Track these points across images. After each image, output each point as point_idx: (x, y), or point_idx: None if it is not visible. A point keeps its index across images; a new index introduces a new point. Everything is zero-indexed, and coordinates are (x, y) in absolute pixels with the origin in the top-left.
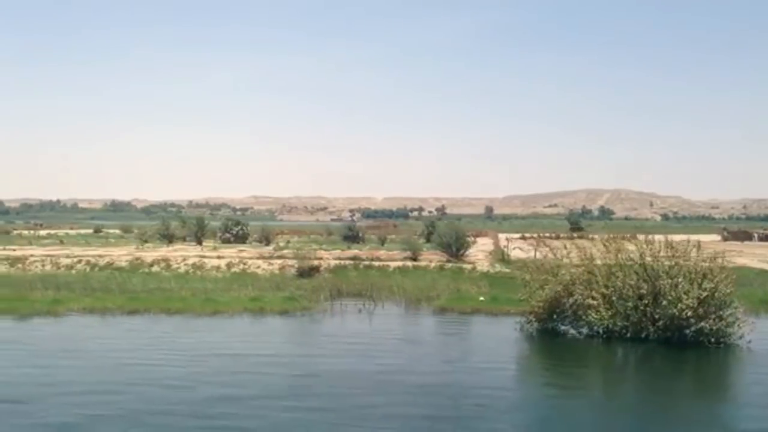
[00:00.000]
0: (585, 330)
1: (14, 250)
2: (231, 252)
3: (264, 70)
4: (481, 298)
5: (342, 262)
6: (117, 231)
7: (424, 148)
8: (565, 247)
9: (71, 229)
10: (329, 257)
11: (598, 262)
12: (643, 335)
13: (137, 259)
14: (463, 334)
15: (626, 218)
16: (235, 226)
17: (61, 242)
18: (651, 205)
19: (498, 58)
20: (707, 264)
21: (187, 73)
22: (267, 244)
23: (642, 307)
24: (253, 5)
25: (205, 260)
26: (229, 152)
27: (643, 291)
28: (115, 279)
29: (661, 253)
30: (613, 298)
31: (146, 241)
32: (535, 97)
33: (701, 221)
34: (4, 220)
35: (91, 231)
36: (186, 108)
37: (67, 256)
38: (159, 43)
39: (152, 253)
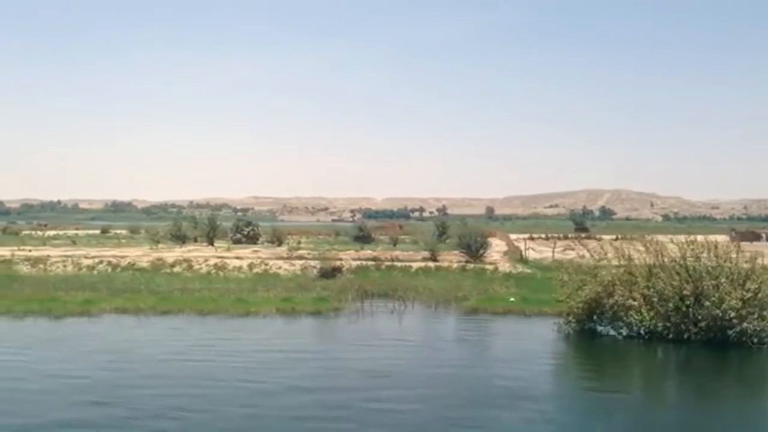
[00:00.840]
0: (624, 331)
1: (29, 250)
2: (246, 252)
3: (264, 70)
4: (512, 299)
5: (363, 262)
6: (124, 231)
7: (424, 148)
8: (602, 248)
9: (77, 229)
10: (348, 258)
11: (636, 262)
12: (684, 336)
13: (158, 259)
14: (503, 334)
15: (627, 218)
16: (246, 227)
17: (74, 243)
18: (652, 205)
19: (498, 58)
20: (749, 265)
21: (187, 74)
22: (279, 245)
23: (684, 308)
24: (254, 5)
25: (227, 261)
26: (229, 152)
27: (686, 292)
28: (139, 280)
29: (703, 254)
30: (654, 299)
31: (158, 242)
32: (535, 97)
33: (703, 221)
34: (6, 221)
35: (98, 231)
36: (186, 108)
37: (87, 257)
38: (159, 43)
39: (170, 253)
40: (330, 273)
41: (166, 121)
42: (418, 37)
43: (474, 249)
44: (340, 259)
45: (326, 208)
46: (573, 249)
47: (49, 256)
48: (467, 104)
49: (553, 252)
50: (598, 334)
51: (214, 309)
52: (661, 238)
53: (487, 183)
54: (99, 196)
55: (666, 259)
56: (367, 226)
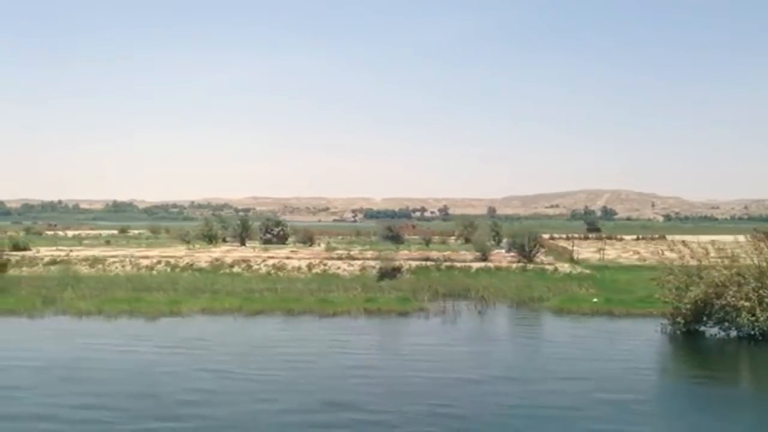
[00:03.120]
0: (734, 332)
1: (70, 250)
2: (285, 252)
3: (264, 71)
4: (594, 300)
5: (421, 263)
6: (142, 231)
7: (424, 148)
8: (705, 249)
9: (91, 229)
10: (403, 258)
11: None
12: None
13: (217, 260)
14: (609, 334)
15: (628, 218)
16: (275, 227)
17: (108, 242)
18: (652, 205)
19: (498, 58)
20: None
21: (188, 74)
22: (310, 245)
23: None
24: (254, 6)
25: (285, 261)
26: (229, 153)
27: None
28: (202, 280)
29: None
30: (766, 299)
31: (189, 242)
32: (535, 97)
33: (704, 222)
34: (10, 221)
35: (115, 231)
36: (186, 108)
37: (144, 257)
38: (160, 44)
39: (226, 254)
40: (390, 273)
41: (167, 121)
42: (418, 37)
43: (527, 250)
44: (400, 260)
45: (327, 208)
46: (605, 249)
47: (106, 256)
48: (467, 104)
49: (602, 253)
50: (704, 335)
51: (303, 309)
52: (681, 238)
53: (487, 183)
54: (99, 196)
55: None
56: (396, 227)
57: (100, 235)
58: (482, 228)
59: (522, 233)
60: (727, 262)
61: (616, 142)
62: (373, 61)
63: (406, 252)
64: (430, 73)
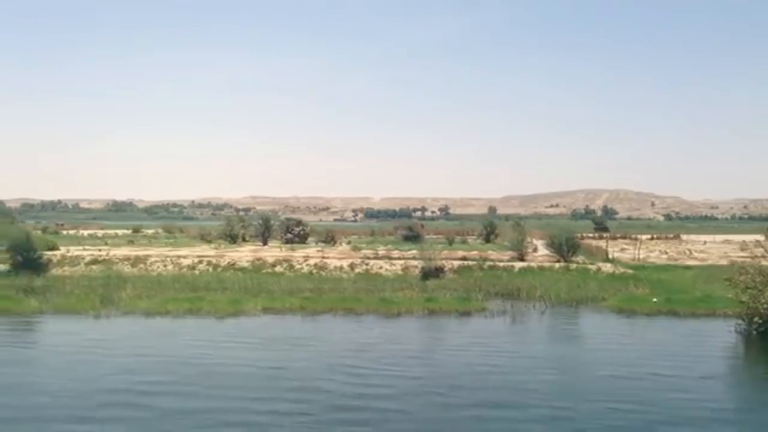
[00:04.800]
0: None
1: (99, 250)
2: (312, 252)
3: (264, 70)
4: (654, 300)
5: (464, 262)
6: (155, 231)
7: (423, 148)
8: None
9: (100, 229)
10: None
11: None
12: None
13: (258, 259)
14: (683, 335)
15: (629, 218)
16: (296, 227)
17: (131, 242)
18: (652, 205)
19: (497, 58)
20: None
21: (188, 74)
22: (333, 245)
23: None
24: (254, 5)
25: (326, 261)
26: (228, 152)
27: None
28: (246, 279)
29: None
30: None
31: (210, 241)
32: (533, 97)
33: (706, 221)
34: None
35: (128, 231)
36: (186, 108)
37: (185, 257)
38: (159, 43)
39: (246, 253)
40: (433, 273)
41: (166, 121)
42: (418, 37)
43: (566, 249)
44: (443, 259)
45: (327, 208)
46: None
47: (147, 255)
48: (466, 104)
49: (638, 252)
50: None
51: (365, 308)
52: (698, 238)
53: (486, 183)
54: (98, 195)
55: None
56: (416, 226)
57: (116, 234)
58: (512, 228)
59: (560, 233)
60: None
61: (615, 142)
62: (373, 61)
63: (446, 252)
64: (429, 73)
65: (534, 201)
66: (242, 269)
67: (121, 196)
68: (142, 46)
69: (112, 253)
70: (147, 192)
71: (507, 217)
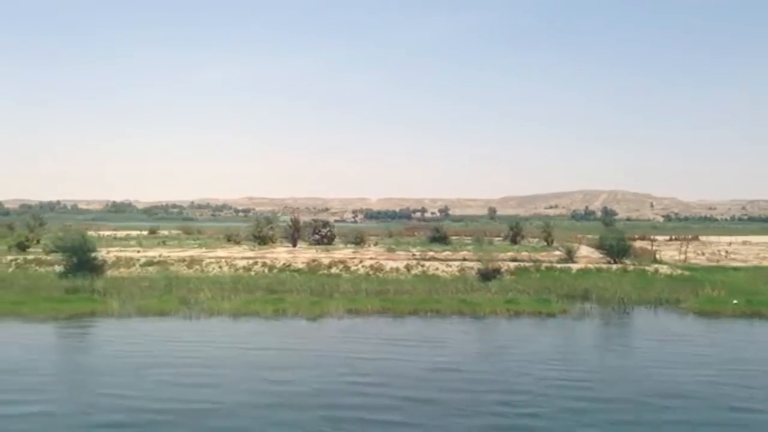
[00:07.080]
0: None
1: (137, 251)
2: (347, 253)
3: (263, 71)
4: (735, 302)
5: (519, 264)
6: (171, 232)
7: (420, 148)
8: None
9: (114, 230)
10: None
11: None
12: None
13: (313, 260)
14: None
15: (628, 219)
16: (323, 228)
17: (163, 243)
18: (651, 206)
19: (497, 58)
20: None
21: (186, 74)
22: (363, 246)
23: None
24: (253, 6)
25: (381, 262)
26: (225, 153)
27: None
28: (299, 280)
29: None
30: None
31: (239, 242)
32: (532, 97)
33: (706, 222)
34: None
35: (145, 232)
36: (185, 108)
37: (240, 258)
38: (158, 43)
39: (284, 254)
40: (491, 274)
41: (165, 122)
42: (418, 37)
43: (617, 250)
44: (501, 261)
45: (327, 209)
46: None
47: (202, 257)
48: (465, 104)
49: (685, 253)
50: None
51: (448, 310)
52: (714, 239)
53: (484, 183)
54: (97, 196)
55: None
56: (443, 227)
57: (140, 234)
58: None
59: (611, 235)
60: None
61: (613, 143)
62: (372, 61)
63: (495, 253)
64: (428, 73)
65: (532, 202)
66: (297, 271)
67: (119, 197)
68: (141, 46)
69: (167, 254)
70: (145, 193)
71: (506, 218)
